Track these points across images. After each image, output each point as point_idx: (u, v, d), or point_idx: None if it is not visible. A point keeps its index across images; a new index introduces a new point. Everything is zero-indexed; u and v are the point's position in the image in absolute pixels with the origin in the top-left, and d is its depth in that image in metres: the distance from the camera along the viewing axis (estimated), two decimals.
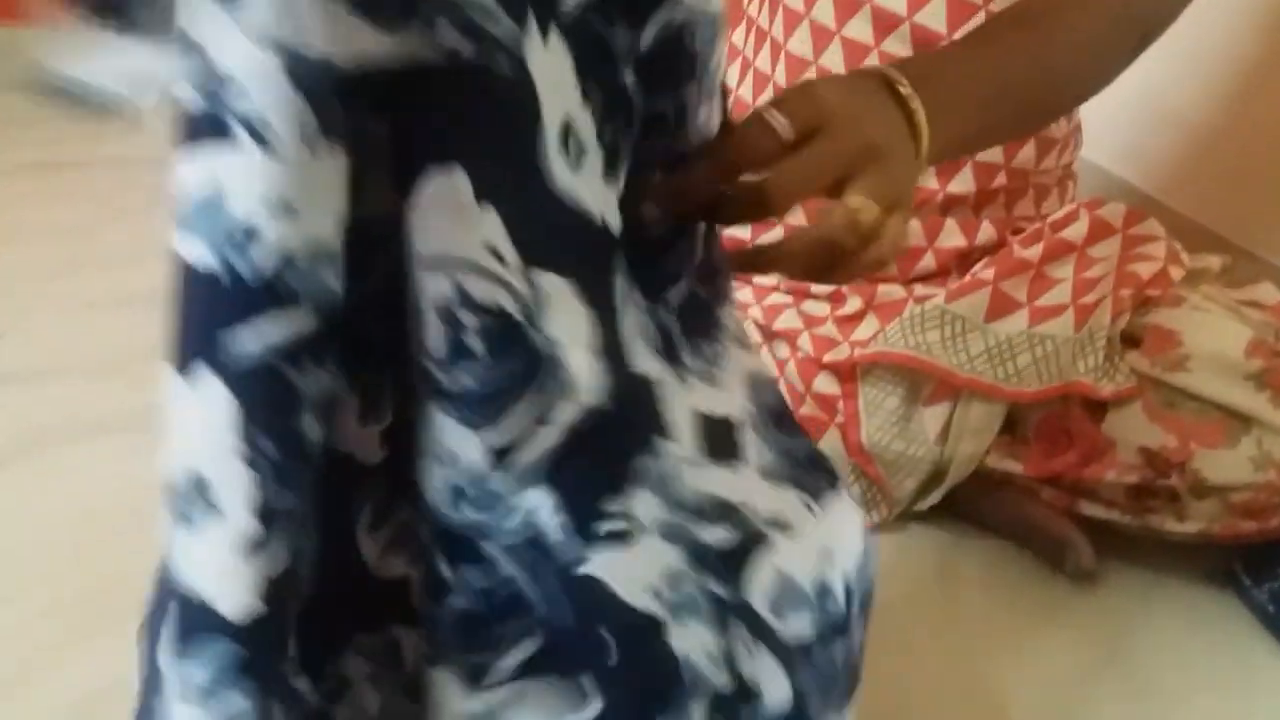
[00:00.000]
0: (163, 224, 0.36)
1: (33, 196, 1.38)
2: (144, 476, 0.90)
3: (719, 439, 0.46)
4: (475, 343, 0.38)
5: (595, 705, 0.42)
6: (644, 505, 0.42)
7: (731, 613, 0.43)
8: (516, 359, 0.38)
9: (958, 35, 0.81)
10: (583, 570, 0.41)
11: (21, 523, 0.86)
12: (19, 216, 1.33)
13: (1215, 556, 0.89)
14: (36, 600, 0.78)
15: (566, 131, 0.39)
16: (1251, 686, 0.79)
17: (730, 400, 0.48)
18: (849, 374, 0.92)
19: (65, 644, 0.74)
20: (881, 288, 0.91)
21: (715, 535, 0.44)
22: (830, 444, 0.93)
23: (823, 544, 0.46)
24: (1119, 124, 1.24)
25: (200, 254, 0.35)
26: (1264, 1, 1.09)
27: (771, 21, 0.91)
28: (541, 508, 0.40)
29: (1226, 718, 0.75)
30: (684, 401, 0.45)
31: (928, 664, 0.79)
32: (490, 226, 0.37)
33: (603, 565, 0.41)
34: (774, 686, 0.44)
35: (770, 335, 0.96)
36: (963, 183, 0.87)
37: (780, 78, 0.90)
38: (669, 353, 0.46)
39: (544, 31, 0.37)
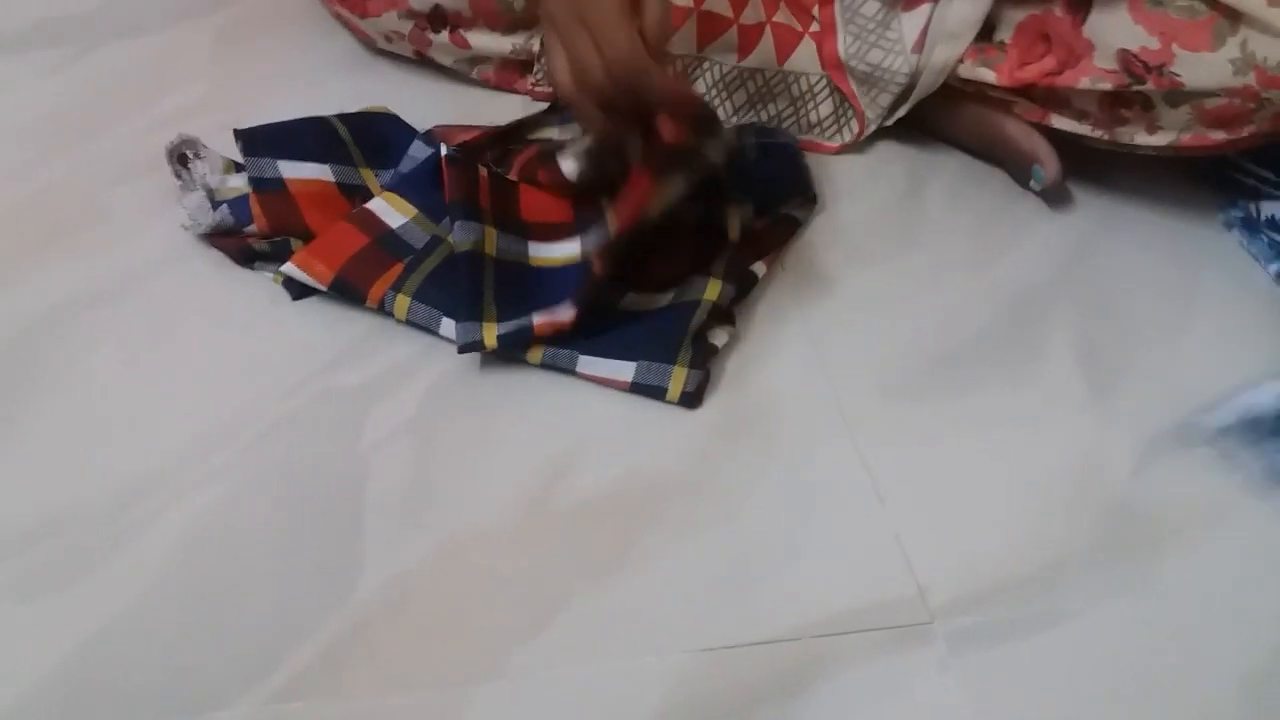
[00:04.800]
0: None
1: None
2: (73, 92, 0.87)
3: None
4: None
5: None
6: None
7: None
8: None
9: None
10: None
11: None
12: None
13: (1183, 181, 0.88)
14: None
15: None
16: (1197, 307, 0.80)
17: None
18: None
19: (18, 257, 0.73)
20: None
21: None
22: (804, 56, 0.89)
23: None
24: None
25: None
26: None
27: None
28: None
29: (1180, 330, 0.77)
30: None
31: (890, 278, 0.79)
32: None
33: None
34: None
35: None
36: None
37: None
38: None
39: None
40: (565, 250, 0.74)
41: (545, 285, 0.72)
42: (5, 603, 0.55)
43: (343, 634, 0.55)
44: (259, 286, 0.73)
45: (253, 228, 0.73)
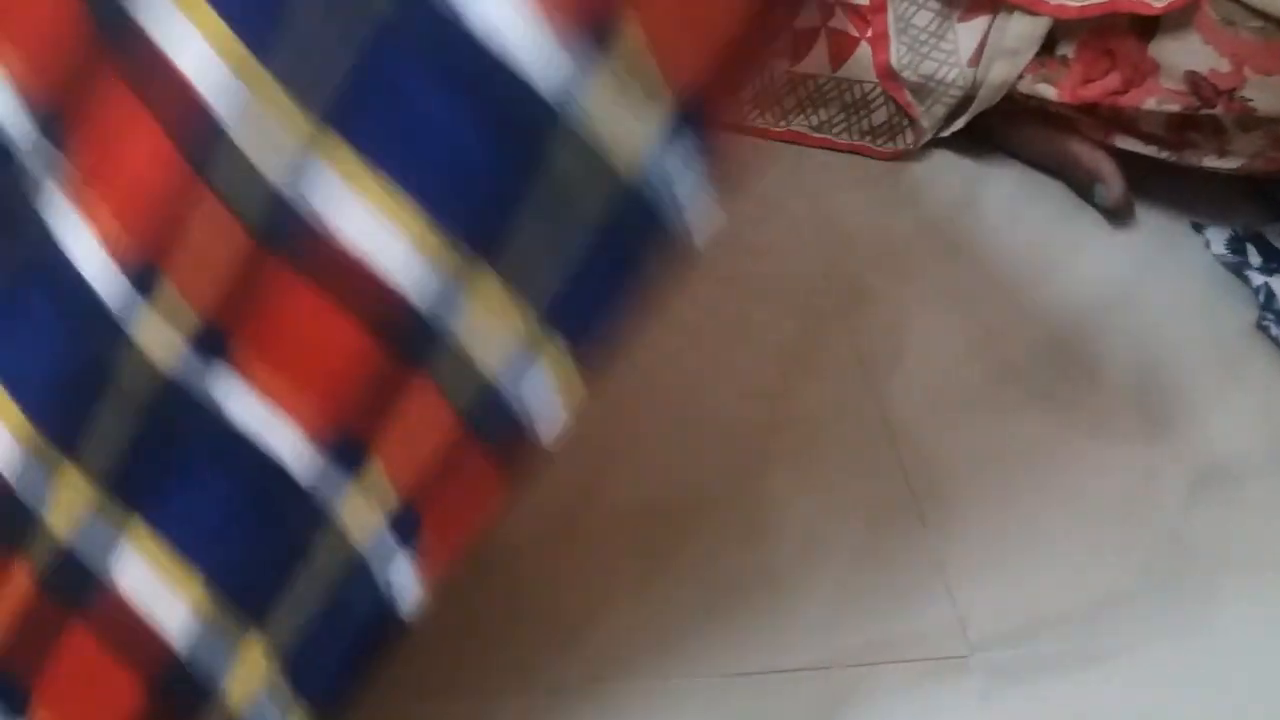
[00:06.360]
0: None
1: None
2: None
3: None
4: None
5: None
6: None
7: None
8: None
9: None
10: None
11: None
12: None
13: (1251, 196, 0.85)
14: None
15: None
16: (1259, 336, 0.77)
17: None
18: None
19: None
20: None
21: None
22: (859, 63, 0.87)
23: None
24: None
25: None
26: None
27: None
28: None
29: (1240, 359, 0.74)
30: None
31: (942, 291, 0.77)
32: None
33: None
34: None
35: None
36: None
37: None
38: None
39: None
40: None
41: None
42: None
43: None
44: None
45: None
